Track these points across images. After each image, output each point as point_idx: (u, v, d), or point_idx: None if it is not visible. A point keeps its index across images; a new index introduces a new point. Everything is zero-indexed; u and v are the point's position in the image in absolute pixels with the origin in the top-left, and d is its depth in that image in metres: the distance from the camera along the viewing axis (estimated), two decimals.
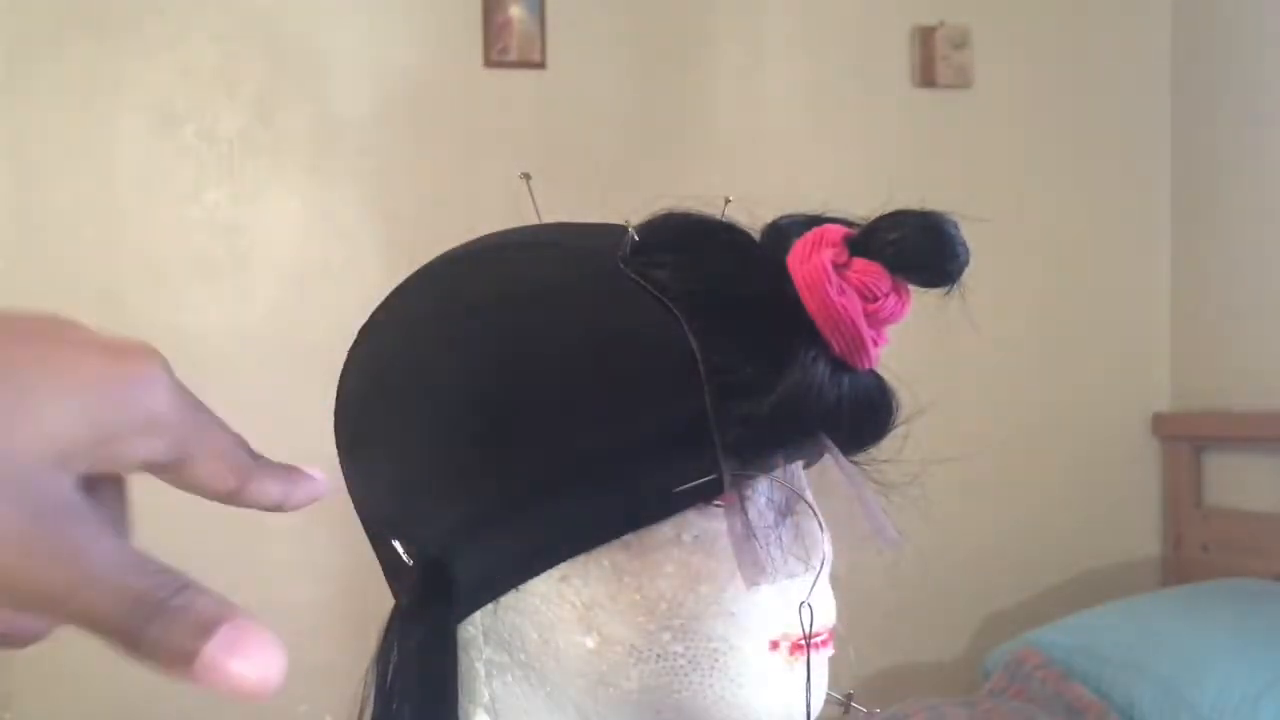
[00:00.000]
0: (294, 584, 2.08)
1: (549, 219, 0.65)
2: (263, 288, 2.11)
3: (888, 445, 0.56)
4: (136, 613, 0.31)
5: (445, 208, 2.11)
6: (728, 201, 0.57)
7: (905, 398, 0.55)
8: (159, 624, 0.31)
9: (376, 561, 0.60)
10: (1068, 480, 2.45)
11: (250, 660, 0.31)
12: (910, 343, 0.62)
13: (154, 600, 0.31)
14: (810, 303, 0.50)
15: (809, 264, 0.50)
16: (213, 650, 0.31)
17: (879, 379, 0.54)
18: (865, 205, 0.55)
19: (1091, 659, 1.98)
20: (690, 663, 0.53)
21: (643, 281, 0.52)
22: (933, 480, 0.60)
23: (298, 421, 2.02)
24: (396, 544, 0.55)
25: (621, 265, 0.53)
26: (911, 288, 0.52)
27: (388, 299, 0.60)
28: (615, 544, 0.52)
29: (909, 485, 0.58)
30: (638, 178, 2.09)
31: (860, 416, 0.53)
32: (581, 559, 0.52)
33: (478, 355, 0.53)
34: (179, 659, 0.31)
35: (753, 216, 0.56)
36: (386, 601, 0.56)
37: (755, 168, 2.28)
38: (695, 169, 2.22)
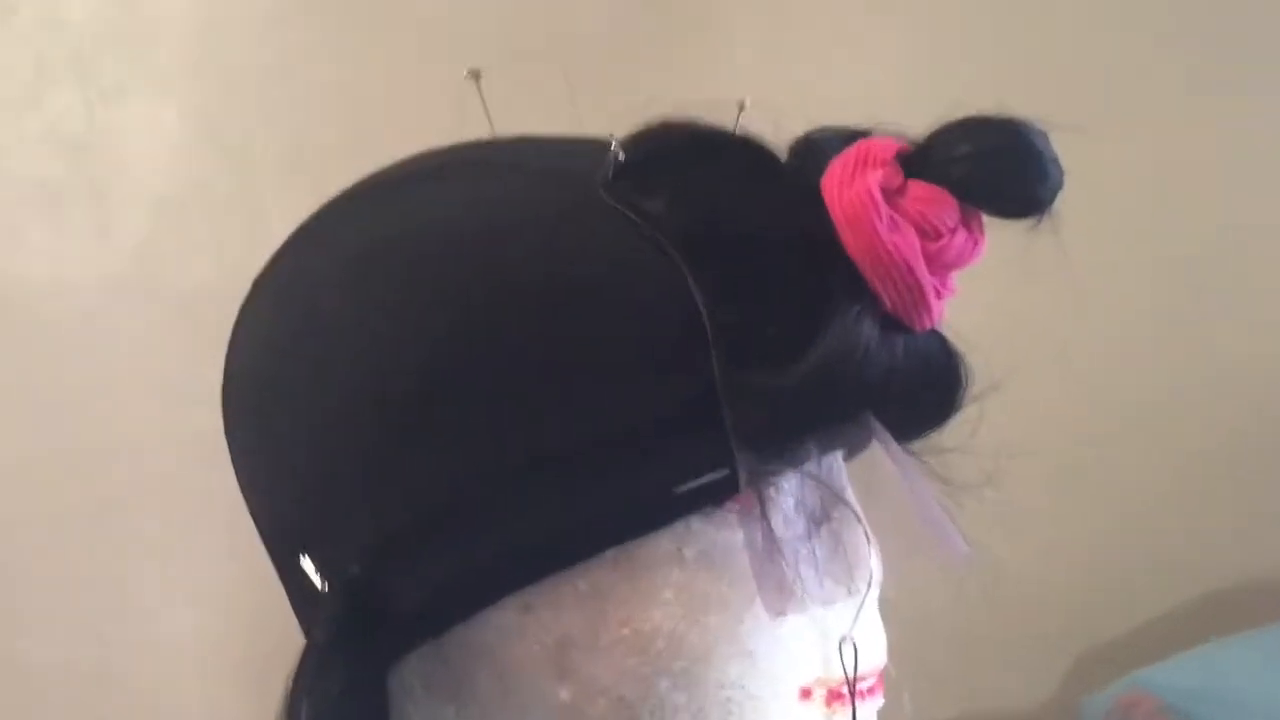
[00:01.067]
0: (171, 611, 2.09)
1: (506, 131, 0.65)
2: (127, 223, 2.10)
3: (954, 431, 0.56)
4: None
5: (368, 116, 2.10)
6: (743, 108, 0.57)
7: (977, 368, 0.56)
8: None
9: (280, 584, 0.60)
10: (1188, 478, 2.46)
11: None
12: (983, 294, 0.62)
13: None
14: (853, 241, 0.50)
15: (851, 190, 0.50)
16: None
17: (943, 342, 0.54)
18: (923, 113, 0.54)
19: (1219, 706, 2.00)
20: (696, 718, 0.53)
21: (631, 214, 0.52)
22: (1013, 477, 0.60)
23: (174, 397, 2.03)
24: (306, 562, 0.55)
25: (603, 193, 0.53)
26: (985, 220, 0.52)
27: (292, 239, 0.60)
28: (596, 562, 0.52)
29: (982, 483, 0.58)
30: (625, 76, 2.08)
31: (918, 392, 0.53)
32: (551, 582, 0.53)
33: (413, 313, 0.53)
34: None
35: (777, 129, 0.56)
36: (294, 637, 0.56)
37: (780, 64, 2.27)
38: (700, 64, 2.21)
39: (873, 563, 0.57)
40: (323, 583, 0.54)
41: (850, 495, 0.57)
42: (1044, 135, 0.51)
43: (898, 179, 0.51)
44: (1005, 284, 0.73)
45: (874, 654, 0.57)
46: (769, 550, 0.52)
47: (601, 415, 0.50)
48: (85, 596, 2.08)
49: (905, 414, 0.54)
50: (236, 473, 0.61)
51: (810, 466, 0.54)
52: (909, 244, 0.50)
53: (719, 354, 0.50)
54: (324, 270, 0.57)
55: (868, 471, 0.57)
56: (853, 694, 0.55)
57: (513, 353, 0.51)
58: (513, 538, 0.52)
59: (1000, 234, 0.53)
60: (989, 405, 0.57)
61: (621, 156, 0.54)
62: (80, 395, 2.07)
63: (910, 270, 0.50)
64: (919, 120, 0.54)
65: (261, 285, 0.61)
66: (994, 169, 0.50)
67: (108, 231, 2.09)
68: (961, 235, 0.51)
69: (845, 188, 0.50)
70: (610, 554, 0.52)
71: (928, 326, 0.52)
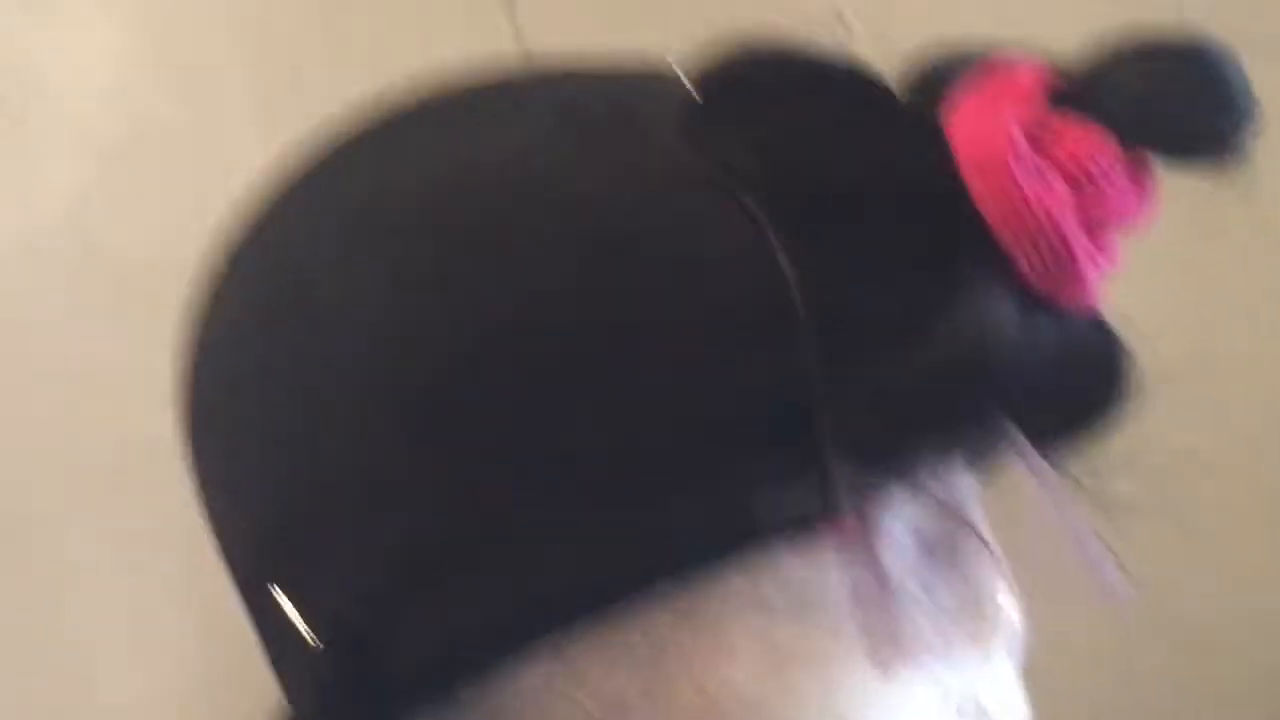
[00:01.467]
0: (113, 669, 2.10)
1: (541, 55, 0.65)
2: (55, 169, 2.11)
3: (1112, 439, 0.56)
4: None
5: (362, 35, 2.10)
6: (842, 24, 0.57)
7: (1144, 357, 0.55)
8: None
9: (253, 632, 0.60)
10: None
11: None
12: (1149, 261, 0.61)
13: None
14: (985, 193, 0.50)
15: (983, 129, 0.50)
16: None
17: (1101, 326, 0.54)
18: (1072, 29, 0.54)
19: None
20: None
21: (705, 163, 0.52)
22: (1191, 497, 0.60)
23: (113, 390, 2.04)
24: (286, 602, 0.55)
25: (669, 136, 0.53)
26: (1156, 170, 0.52)
27: (273, 189, 0.61)
28: (652, 603, 0.52)
29: (1149, 505, 0.58)
30: None
31: (1069, 389, 0.53)
32: (595, 628, 0.53)
33: (430, 285, 0.53)
34: None
35: (889, 50, 0.55)
36: (272, 699, 0.56)
37: None
38: None
39: (1009, 607, 0.56)
40: (309, 633, 0.54)
41: (979, 521, 0.57)
42: (1233, 59, 0.51)
43: (1043, 114, 0.51)
44: (1180, 249, 0.72)
45: None
46: (876, 589, 0.52)
47: (663, 414, 0.50)
48: (20, 656, 2.09)
49: (1050, 418, 0.53)
50: (198, 488, 0.61)
51: (930, 484, 0.53)
52: (1056, 196, 0.50)
53: (813, 337, 0.50)
54: (319, 230, 0.57)
55: (999, 491, 0.57)
56: None
57: (555, 335, 0.51)
58: (549, 574, 0.52)
59: (1175, 186, 0.53)
60: (1159, 406, 0.56)
61: (693, 89, 0.53)
62: None
63: (1058, 229, 0.50)
64: (1066, 35, 0.54)
65: (234, 247, 0.61)
66: (1166, 101, 0.50)
67: (31, 180, 2.11)
68: (1122, 184, 0.51)
69: (976, 127, 0.50)
70: (670, 592, 0.52)
71: (1081, 304, 0.52)
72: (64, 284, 2.10)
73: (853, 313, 0.50)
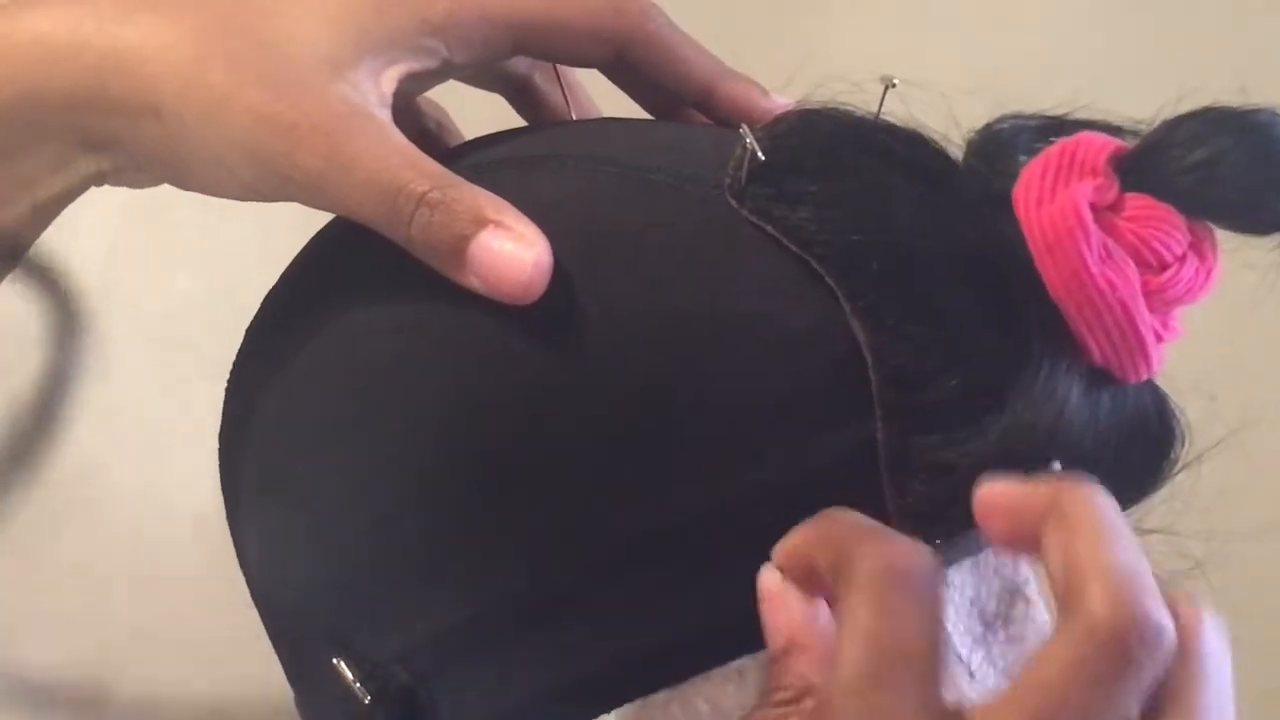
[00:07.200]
0: None
1: (593, 113, 0.64)
2: (92, 221, 2.09)
3: (1159, 504, 0.56)
4: (398, 205, 0.50)
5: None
6: (891, 87, 0.56)
7: (1194, 419, 0.55)
8: (424, 215, 0.50)
9: (292, 686, 0.60)
10: None
11: (524, 248, 0.49)
12: (1193, 323, 0.61)
13: (414, 193, 0.50)
14: (1054, 274, 0.49)
15: (1052, 207, 0.49)
16: (486, 238, 0.49)
17: (1156, 396, 0.54)
18: (1136, 100, 0.53)
19: None
20: None
21: (770, 229, 0.51)
22: (1237, 564, 0.59)
23: (158, 439, 2.02)
24: (342, 666, 0.54)
25: (732, 201, 0.52)
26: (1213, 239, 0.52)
27: (325, 237, 0.60)
28: (720, 675, 0.52)
29: (1198, 569, 0.57)
30: (746, 42, 2.04)
31: (1124, 459, 0.52)
32: (662, 698, 0.52)
33: (496, 347, 0.52)
34: (447, 250, 0.50)
35: (950, 114, 0.55)
36: None
37: (947, 20, 2.20)
38: (842, 21, 2.16)
39: None
40: (365, 696, 0.53)
41: (1033, 589, 0.56)
42: None
43: (1112, 191, 0.50)
44: (1222, 310, 0.71)
45: None
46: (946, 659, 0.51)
47: (726, 484, 0.50)
48: None
49: (1102, 484, 0.53)
50: (237, 547, 0.61)
51: (987, 555, 0.53)
52: (1126, 280, 0.49)
53: (885, 408, 0.49)
54: (369, 286, 0.56)
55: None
56: None
57: (612, 405, 0.50)
58: (613, 639, 0.51)
59: (1232, 256, 0.52)
60: (1208, 470, 0.56)
61: (759, 153, 0.52)
62: None
63: (1127, 314, 0.49)
64: (1135, 102, 0.53)
65: (281, 297, 0.60)
66: (1239, 179, 0.49)
67: (68, 232, 2.09)
68: (1191, 264, 0.50)
69: (1045, 203, 0.50)
70: (740, 664, 0.51)
71: (1143, 379, 0.51)
72: (98, 337, 2.09)
73: (922, 387, 0.49)
